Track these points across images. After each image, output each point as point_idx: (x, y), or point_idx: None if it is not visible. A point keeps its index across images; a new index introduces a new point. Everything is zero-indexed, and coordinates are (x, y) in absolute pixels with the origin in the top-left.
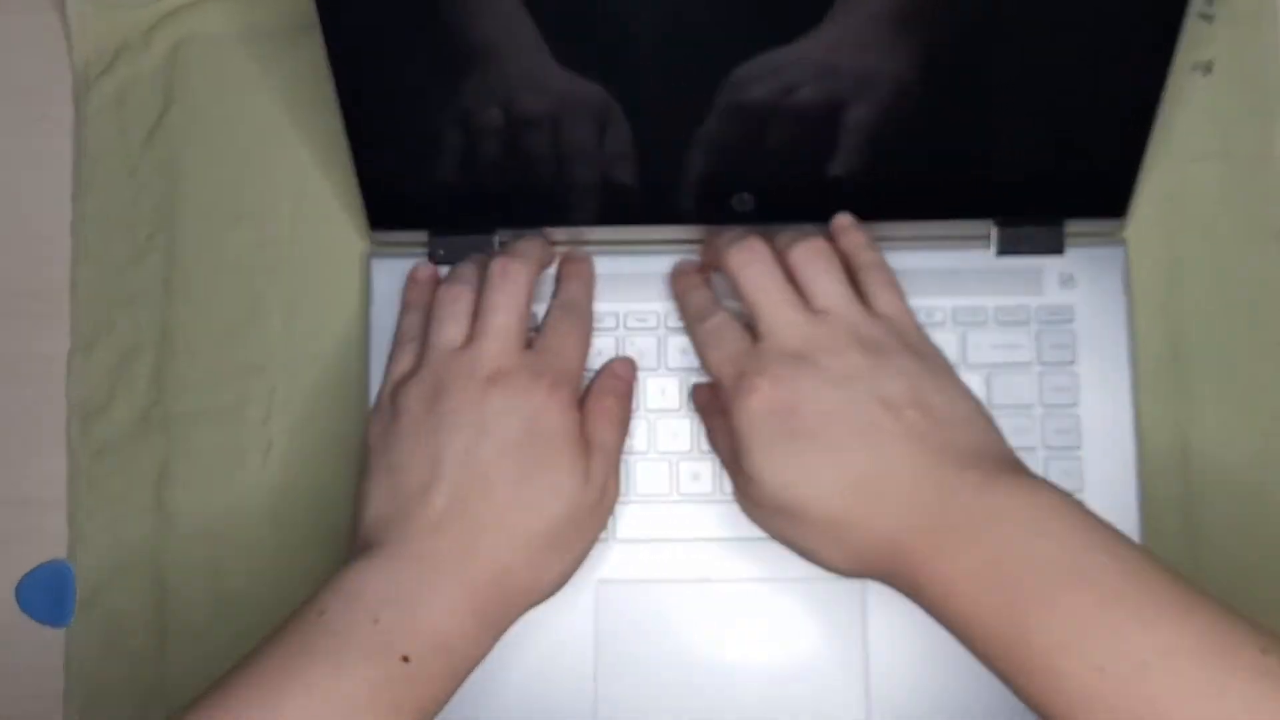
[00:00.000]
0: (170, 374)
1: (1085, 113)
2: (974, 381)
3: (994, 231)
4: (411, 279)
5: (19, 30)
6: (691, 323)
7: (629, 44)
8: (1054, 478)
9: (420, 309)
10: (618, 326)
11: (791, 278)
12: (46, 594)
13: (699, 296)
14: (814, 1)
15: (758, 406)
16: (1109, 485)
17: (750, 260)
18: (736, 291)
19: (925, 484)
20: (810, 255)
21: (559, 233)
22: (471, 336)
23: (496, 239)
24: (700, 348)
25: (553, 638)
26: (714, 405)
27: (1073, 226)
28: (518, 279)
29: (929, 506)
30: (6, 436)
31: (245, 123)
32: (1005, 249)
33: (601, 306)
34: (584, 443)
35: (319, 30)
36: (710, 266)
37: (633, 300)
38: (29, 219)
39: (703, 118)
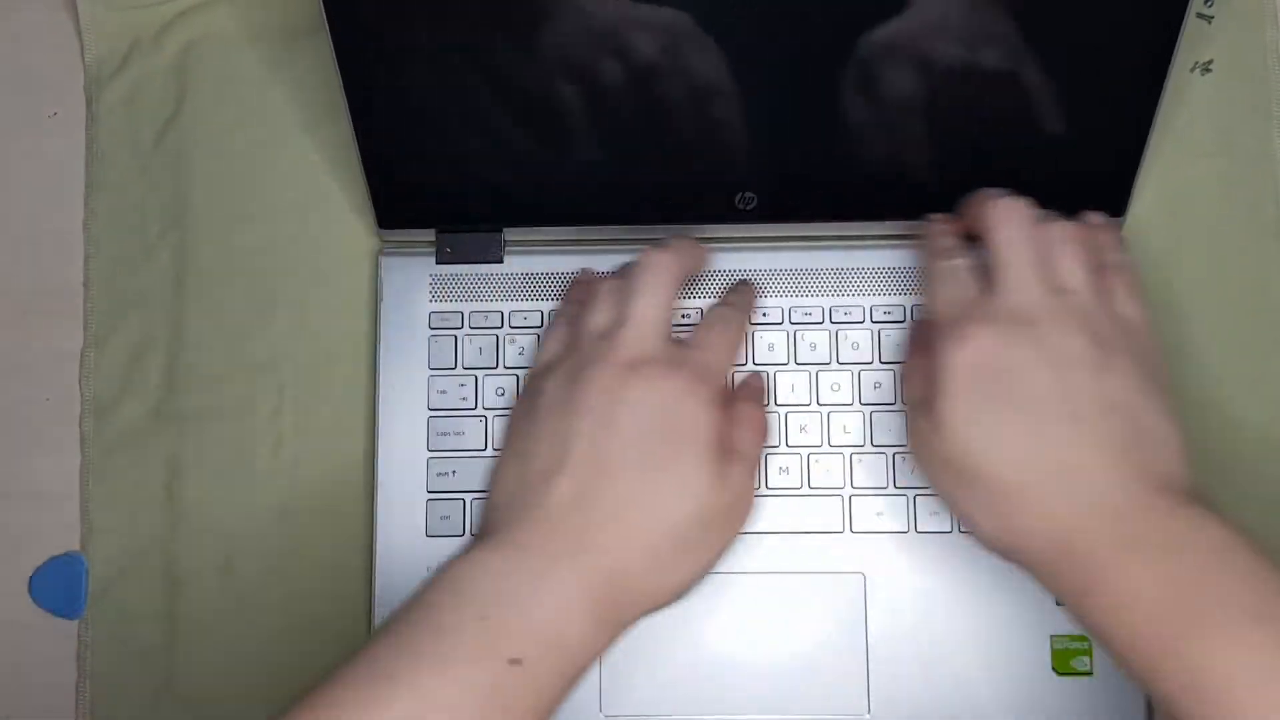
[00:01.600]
0: (181, 370)
1: (1085, 112)
2: None
3: None
4: (576, 281)
5: (31, 29)
6: (930, 259)
7: (633, 45)
8: None
9: (571, 302)
10: None
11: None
12: (59, 586)
13: (947, 240)
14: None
15: (968, 358)
16: None
17: (1009, 218)
18: (987, 244)
19: (1117, 495)
20: (1066, 237)
21: (564, 231)
22: (614, 322)
23: (503, 237)
24: (931, 283)
25: None
26: (921, 342)
27: None
28: (662, 269)
29: (1117, 517)
30: (20, 431)
31: (255, 122)
32: None
33: None
34: (722, 444)
35: (326, 31)
36: (966, 228)
37: None
38: (41, 217)
39: (705, 119)
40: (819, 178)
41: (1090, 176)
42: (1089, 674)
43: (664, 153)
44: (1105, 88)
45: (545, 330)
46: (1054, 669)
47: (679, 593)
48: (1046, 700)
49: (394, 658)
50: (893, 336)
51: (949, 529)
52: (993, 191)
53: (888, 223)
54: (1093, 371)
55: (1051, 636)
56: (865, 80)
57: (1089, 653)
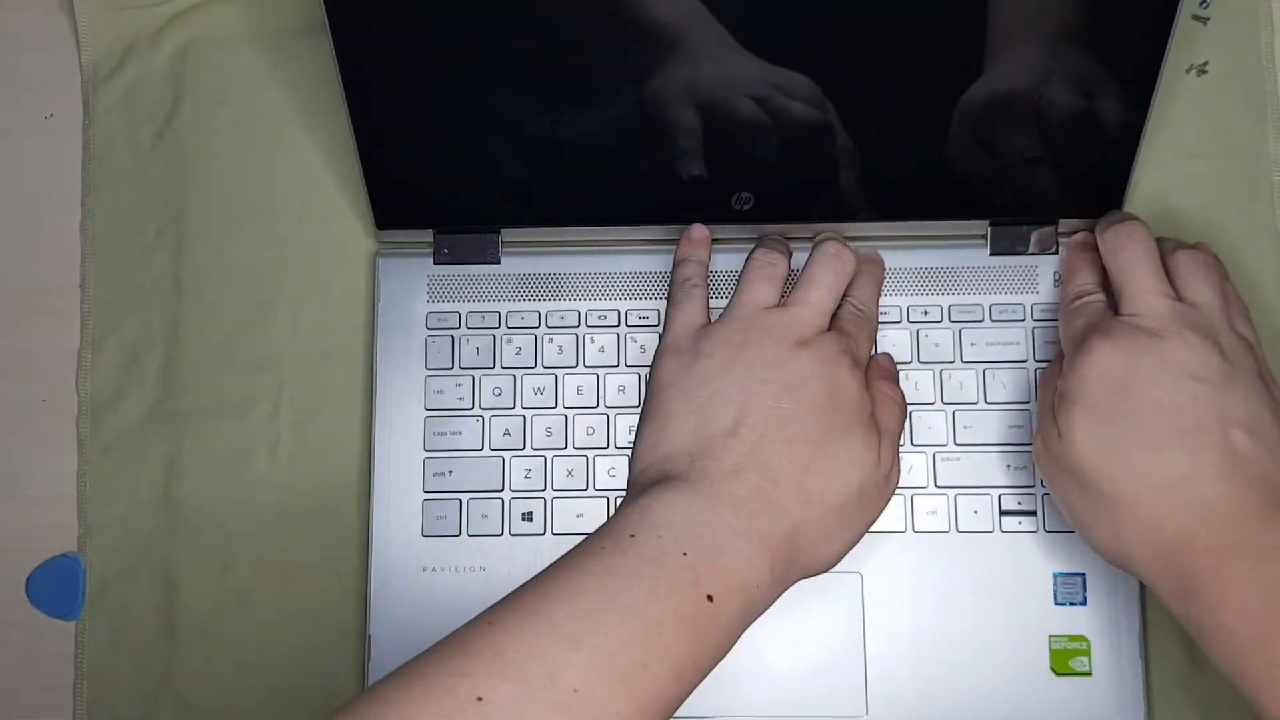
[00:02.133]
0: (179, 370)
1: (1079, 113)
2: (969, 378)
3: (989, 231)
4: (687, 238)
5: (28, 30)
6: (1067, 299)
7: (630, 47)
8: None
9: (695, 263)
10: (619, 324)
11: (1168, 276)
12: (56, 588)
13: (1084, 277)
14: (814, 13)
15: (1092, 371)
16: None
17: (1127, 244)
18: (1109, 271)
19: (1228, 503)
20: (1196, 261)
21: (561, 232)
22: (787, 302)
23: (500, 238)
24: (1068, 318)
25: None
26: (1057, 365)
27: (1067, 225)
28: (846, 265)
29: (1225, 524)
30: (18, 432)
31: (253, 123)
32: (999, 248)
33: (604, 305)
34: (873, 422)
35: (327, 31)
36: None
37: (634, 298)
38: (39, 217)
39: (705, 121)
40: (815, 178)
41: (1084, 178)
42: (1087, 674)
43: (661, 153)
44: (1098, 90)
45: (677, 289)
46: (1052, 669)
47: (834, 561)
48: (1045, 700)
49: (604, 575)
50: (889, 336)
51: (946, 529)
52: (1112, 216)
53: (884, 223)
54: (1219, 387)
55: (1050, 636)
56: (860, 82)
57: (1087, 653)
